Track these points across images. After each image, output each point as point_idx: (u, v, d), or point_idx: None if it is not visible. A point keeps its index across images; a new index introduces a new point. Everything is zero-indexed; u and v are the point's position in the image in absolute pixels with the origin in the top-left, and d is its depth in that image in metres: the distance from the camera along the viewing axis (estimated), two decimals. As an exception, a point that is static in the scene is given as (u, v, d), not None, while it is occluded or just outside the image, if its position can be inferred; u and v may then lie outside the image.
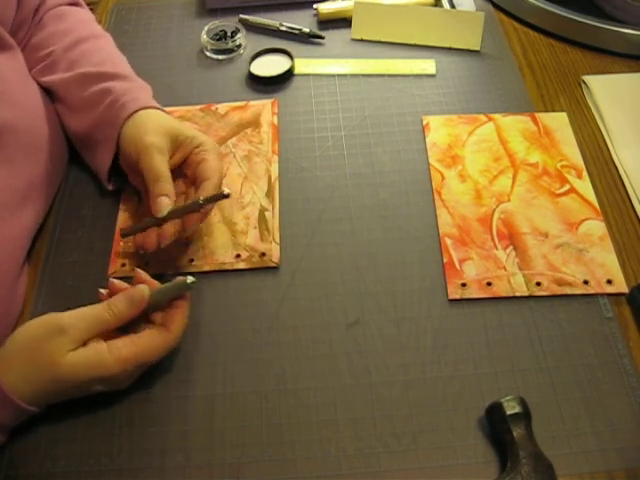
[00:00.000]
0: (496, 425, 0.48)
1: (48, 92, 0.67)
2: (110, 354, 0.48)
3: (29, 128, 0.61)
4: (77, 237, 0.63)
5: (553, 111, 0.72)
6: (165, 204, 0.56)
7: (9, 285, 0.55)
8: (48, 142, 0.63)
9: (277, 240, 0.61)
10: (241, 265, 0.60)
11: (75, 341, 0.48)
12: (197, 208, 0.56)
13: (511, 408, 0.47)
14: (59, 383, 0.47)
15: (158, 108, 0.63)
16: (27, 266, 0.60)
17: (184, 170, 0.61)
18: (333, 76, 0.78)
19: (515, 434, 0.46)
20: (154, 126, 0.59)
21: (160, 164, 0.57)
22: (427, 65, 0.78)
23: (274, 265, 0.60)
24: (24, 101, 0.62)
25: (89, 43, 0.68)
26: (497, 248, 0.60)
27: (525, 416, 0.47)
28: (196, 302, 0.58)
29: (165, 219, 0.56)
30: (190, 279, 0.51)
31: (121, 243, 0.61)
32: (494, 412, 0.48)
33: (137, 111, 0.61)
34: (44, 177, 0.62)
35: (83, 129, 0.64)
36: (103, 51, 0.68)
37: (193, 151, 0.60)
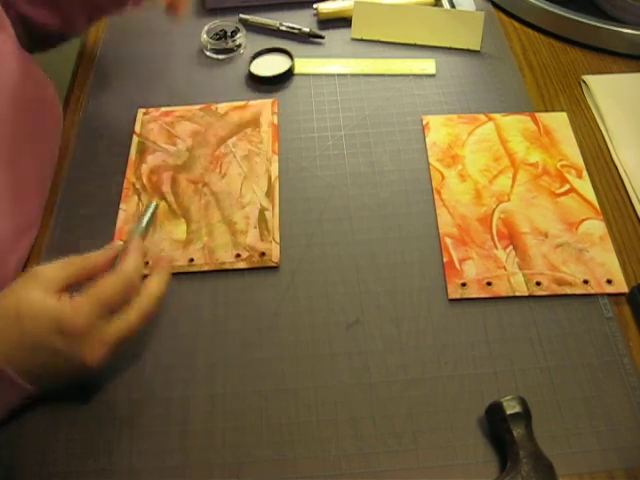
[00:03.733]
0: (496, 425, 0.48)
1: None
2: (66, 297, 0.47)
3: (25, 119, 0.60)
4: (77, 237, 0.63)
5: (553, 111, 0.72)
6: None
7: None
8: (46, 133, 0.64)
9: (277, 240, 0.61)
10: (241, 265, 0.60)
11: (45, 281, 0.47)
12: None
13: (511, 408, 0.47)
14: (21, 328, 0.46)
15: None
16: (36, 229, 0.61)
17: None
18: (333, 76, 0.78)
19: (515, 434, 0.46)
20: None
21: None
22: (427, 65, 0.78)
23: (274, 265, 0.60)
24: (18, 88, 0.60)
25: None
26: (497, 248, 0.60)
27: (525, 416, 0.47)
28: (196, 302, 0.58)
29: None
30: (153, 203, 0.56)
31: (121, 243, 0.61)
32: (494, 412, 0.48)
33: None
34: (39, 172, 0.63)
35: None
36: None
37: None
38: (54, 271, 0.49)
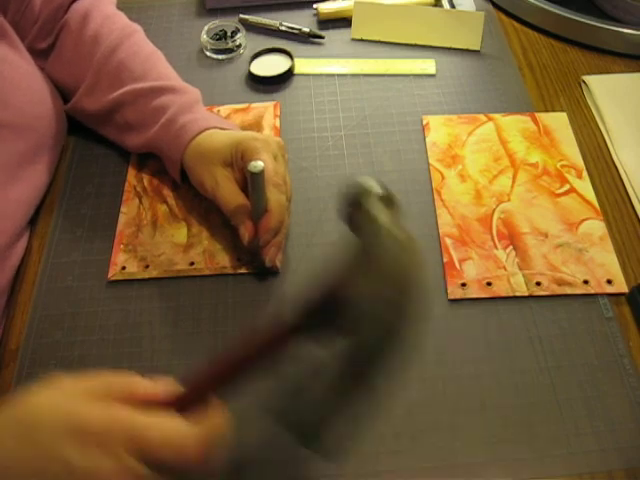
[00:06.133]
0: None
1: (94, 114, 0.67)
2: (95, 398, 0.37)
3: (28, 119, 0.61)
4: (77, 237, 0.63)
5: (553, 111, 0.72)
6: (241, 233, 0.56)
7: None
8: (47, 127, 0.64)
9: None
10: (242, 270, 0.59)
11: (63, 387, 0.38)
12: None
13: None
14: (25, 431, 0.36)
15: (215, 127, 0.62)
16: (27, 236, 0.61)
17: None
18: (333, 76, 0.78)
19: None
20: (216, 155, 0.59)
21: (232, 196, 0.57)
22: (427, 65, 0.78)
23: (275, 270, 0.59)
24: (24, 92, 0.62)
25: (123, 49, 0.67)
26: (497, 248, 0.60)
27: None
28: (197, 303, 0.58)
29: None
30: (256, 166, 0.51)
31: (121, 246, 0.61)
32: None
33: (198, 134, 0.60)
34: (40, 152, 0.63)
35: (138, 146, 0.66)
36: (139, 55, 0.67)
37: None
38: (75, 381, 0.39)
